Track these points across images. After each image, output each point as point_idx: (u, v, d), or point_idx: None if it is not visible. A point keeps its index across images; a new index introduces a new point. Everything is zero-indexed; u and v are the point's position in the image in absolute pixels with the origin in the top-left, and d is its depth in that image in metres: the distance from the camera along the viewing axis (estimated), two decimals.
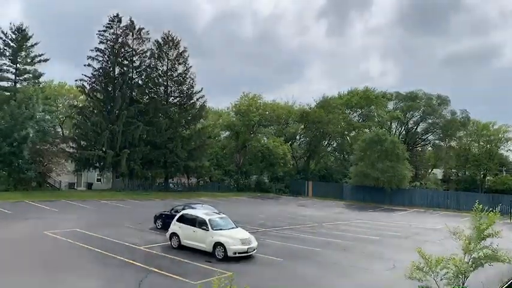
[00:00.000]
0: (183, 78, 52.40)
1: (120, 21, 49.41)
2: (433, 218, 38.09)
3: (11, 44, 44.90)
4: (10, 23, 47.91)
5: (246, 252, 16.84)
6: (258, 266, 16.24)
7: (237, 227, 18.39)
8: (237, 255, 16.52)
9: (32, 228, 21.85)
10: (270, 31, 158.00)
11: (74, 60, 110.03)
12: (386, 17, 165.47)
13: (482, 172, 61.43)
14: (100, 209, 32.01)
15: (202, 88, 53.06)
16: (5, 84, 45.71)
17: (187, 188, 54.74)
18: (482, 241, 11.65)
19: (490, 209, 12.09)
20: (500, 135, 62.01)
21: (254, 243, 17.37)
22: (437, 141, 65.75)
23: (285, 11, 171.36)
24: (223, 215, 19.18)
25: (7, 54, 44.90)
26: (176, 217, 18.90)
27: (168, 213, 23.07)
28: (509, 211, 38.19)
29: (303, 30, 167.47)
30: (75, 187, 53.22)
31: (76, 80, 49.70)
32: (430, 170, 65.71)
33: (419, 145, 66.86)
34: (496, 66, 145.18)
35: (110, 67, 49.37)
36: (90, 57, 48.26)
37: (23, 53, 45.54)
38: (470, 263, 11.37)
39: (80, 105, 55.22)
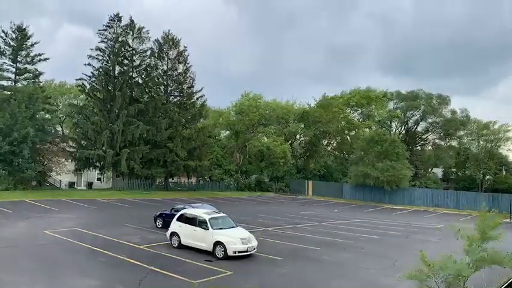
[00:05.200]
0: (183, 78, 52.45)
1: (120, 20, 49.46)
2: (433, 218, 38.14)
3: (11, 43, 44.87)
4: (10, 22, 47.85)
5: (246, 251, 16.86)
6: (258, 265, 16.26)
7: (237, 226, 18.43)
8: (237, 254, 16.54)
9: (32, 228, 21.89)
10: None
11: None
12: None
13: (482, 171, 61.41)
14: (100, 208, 32.03)
15: (202, 87, 53.35)
16: (5, 83, 45.69)
17: (187, 187, 54.80)
18: (485, 243, 11.58)
19: (494, 210, 12.07)
20: (500, 135, 62.05)
21: (254, 243, 17.39)
22: (437, 141, 65.76)
23: None
24: (223, 214, 19.21)
25: (7, 53, 44.88)
26: (176, 216, 18.92)
27: (168, 212, 23.14)
28: (509, 210, 38.20)
29: None
30: (75, 186, 53.37)
31: (76, 79, 49.89)
32: (430, 169, 65.69)
33: (419, 144, 66.86)
34: None
35: (110, 66, 49.35)
36: (90, 56, 48.36)
37: (23, 52, 45.52)
38: (471, 264, 11.33)
39: (80, 104, 55.33)
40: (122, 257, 16.10)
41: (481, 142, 63.05)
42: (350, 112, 66.90)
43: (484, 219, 11.58)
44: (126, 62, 50.42)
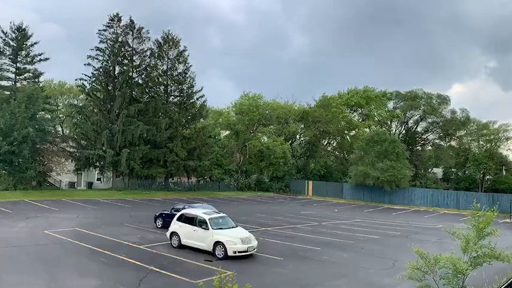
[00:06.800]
0: (183, 78, 52.46)
1: (120, 20, 49.46)
2: (433, 217, 38.16)
3: (11, 43, 44.91)
4: (10, 22, 47.84)
5: (246, 251, 16.87)
6: (258, 265, 16.27)
7: (237, 226, 18.44)
8: (237, 254, 16.55)
9: (32, 228, 21.89)
10: None
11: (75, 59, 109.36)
12: None
13: (482, 171, 61.43)
14: (100, 208, 32.05)
15: (202, 87, 53.41)
16: (5, 83, 45.76)
17: (187, 187, 54.80)
18: (481, 240, 11.66)
19: (489, 208, 12.10)
20: (500, 135, 62.04)
21: (254, 243, 17.40)
22: (437, 141, 65.80)
23: None
24: (223, 214, 19.22)
25: (7, 53, 44.93)
26: (176, 216, 18.95)
27: (168, 212, 23.18)
28: (509, 210, 38.23)
29: None
30: (76, 186, 53.29)
31: (76, 79, 49.91)
32: (430, 169, 65.73)
33: (419, 144, 66.91)
34: None
35: (110, 66, 49.40)
36: (90, 56, 48.35)
37: (23, 52, 45.55)
38: (469, 262, 11.39)
39: (80, 104, 55.35)
40: (122, 257, 16.11)
41: (481, 142, 63.07)
42: (349, 112, 66.94)
43: (478, 217, 11.65)
44: (126, 62, 50.44)
